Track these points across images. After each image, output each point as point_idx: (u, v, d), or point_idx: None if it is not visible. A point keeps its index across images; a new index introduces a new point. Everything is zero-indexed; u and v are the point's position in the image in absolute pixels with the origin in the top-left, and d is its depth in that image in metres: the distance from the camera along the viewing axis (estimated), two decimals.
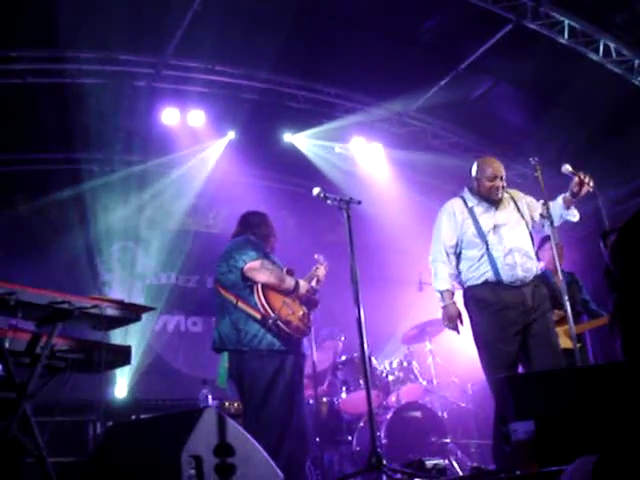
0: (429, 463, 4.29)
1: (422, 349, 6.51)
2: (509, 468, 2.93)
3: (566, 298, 4.15)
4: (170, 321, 8.49)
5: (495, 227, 4.34)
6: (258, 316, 3.99)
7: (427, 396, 6.26)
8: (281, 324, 3.96)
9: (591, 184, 4.24)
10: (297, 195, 8.75)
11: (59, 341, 3.22)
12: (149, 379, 7.63)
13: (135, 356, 7.25)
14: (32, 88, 6.78)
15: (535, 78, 7.54)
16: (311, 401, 5.95)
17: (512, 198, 4.53)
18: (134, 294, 8.18)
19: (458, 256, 4.44)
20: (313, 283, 4.39)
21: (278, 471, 2.66)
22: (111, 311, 3.38)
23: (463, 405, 6.52)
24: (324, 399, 5.91)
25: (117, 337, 5.43)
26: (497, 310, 4.22)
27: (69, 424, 5.02)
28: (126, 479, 2.64)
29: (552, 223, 4.31)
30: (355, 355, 6.04)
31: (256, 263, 4.06)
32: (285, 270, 4.28)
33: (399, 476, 3.95)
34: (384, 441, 5.43)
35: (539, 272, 4.50)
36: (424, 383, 6.16)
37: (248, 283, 4.08)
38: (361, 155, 8.83)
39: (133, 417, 5.96)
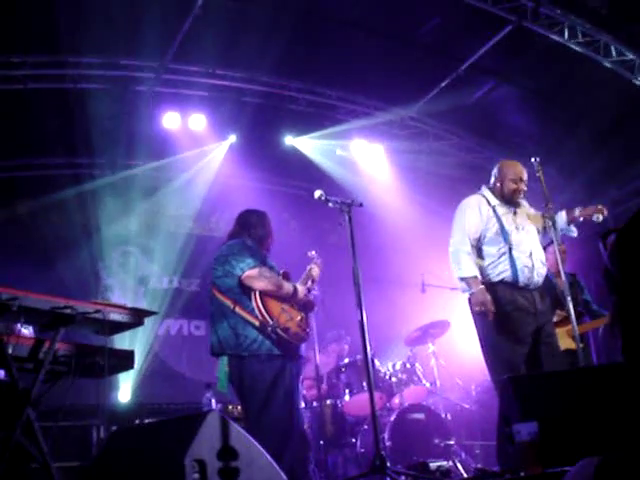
0: (433, 465, 4.29)
1: (425, 351, 6.50)
2: (513, 469, 2.92)
3: (569, 299, 4.17)
4: (173, 325, 8.50)
5: (517, 228, 4.40)
6: (256, 323, 3.94)
7: (430, 398, 6.26)
8: (280, 331, 3.92)
9: (605, 212, 4.45)
10: (299, 198, 8.76)
11: (62, 346, 3.23)
12: (152, 383, 7.63)
13: (138, 360, 7.27)
14: (34, 93, 6.79)
15: (536, 79, 7.55)
16: (315, 403, 5.96)
17: (524, 205, 4.64)
18: (136, 298, 8.19)
19: (478, 251, 4.44)
20: (309, 284, 4.35)
21: (282, 474, 2.65)
22: (114, 316, 3.38)
23: (467, 407, 6.52)
24: (328, 401, 5.90)
25: (120, 342, 5.44)
26: (510, 311, 4.25)
27: (73, 429, 5.01)
28: None
29: (555, 227, 4.36)
30: (358, 357, 6.02)
31: (254, 272, 4.01)
32: (281, 273, 4.25)
33: (403, 478, 3.95)
34: (388, 443, 5.42)
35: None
36: (427, 385, 6.14)
37: (245, 289, 4.04)
38: (363, 157, 8.83)
39: (137, 421, 5.96)
